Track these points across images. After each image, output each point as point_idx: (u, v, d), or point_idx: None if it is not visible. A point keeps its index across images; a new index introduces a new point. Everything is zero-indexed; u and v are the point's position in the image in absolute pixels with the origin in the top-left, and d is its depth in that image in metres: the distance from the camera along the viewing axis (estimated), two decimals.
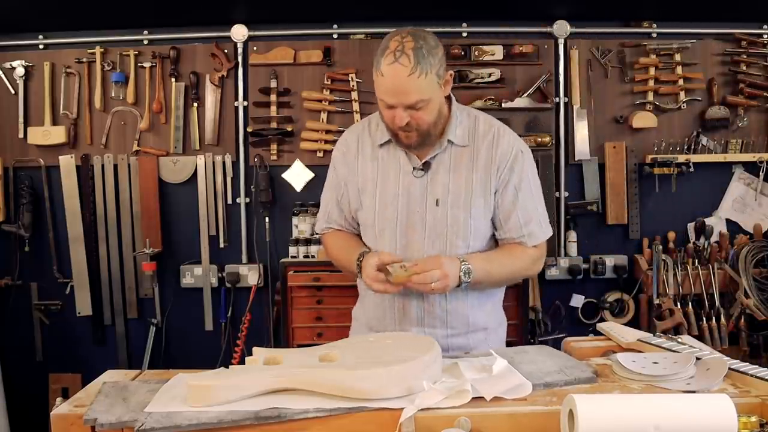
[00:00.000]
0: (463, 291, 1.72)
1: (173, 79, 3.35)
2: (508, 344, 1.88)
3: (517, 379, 1.27)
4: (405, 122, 1.61)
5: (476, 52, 3.33)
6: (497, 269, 1.71)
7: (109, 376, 1.46)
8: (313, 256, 3.15)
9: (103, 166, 3.35)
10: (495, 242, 1.81)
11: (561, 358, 1.48)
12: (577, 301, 3.37)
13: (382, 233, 1.75)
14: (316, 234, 2.00)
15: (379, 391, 1.20)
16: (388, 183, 1.75)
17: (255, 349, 1.39)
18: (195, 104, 3.36)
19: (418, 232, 1.72)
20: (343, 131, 2.04)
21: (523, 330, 3.06)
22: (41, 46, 3.37)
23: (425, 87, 1.57)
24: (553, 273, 3.36)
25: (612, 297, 3.39)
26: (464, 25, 3.36)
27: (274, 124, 3.34)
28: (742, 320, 3.16)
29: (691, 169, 3.29)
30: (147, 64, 3.34)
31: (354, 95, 3.32)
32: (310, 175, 3.33)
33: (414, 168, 1.73)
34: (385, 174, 1.76)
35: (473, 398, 1.21)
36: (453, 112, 1.73)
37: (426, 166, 1.73)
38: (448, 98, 1.75)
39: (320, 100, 3.33)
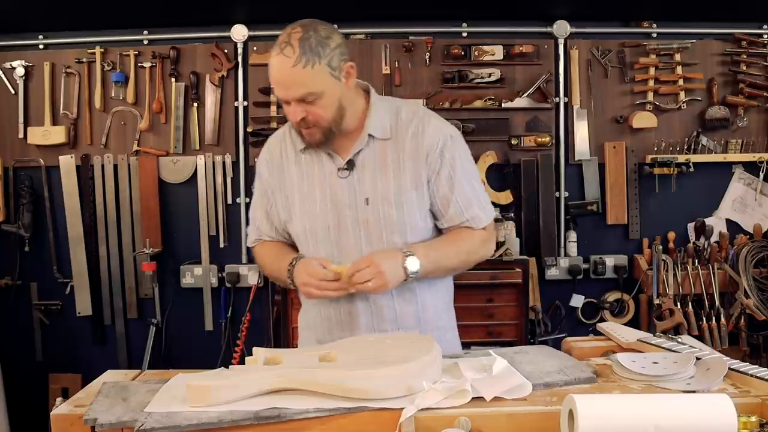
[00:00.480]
0: (410, 290, 1.66)
1: (173, 79, 3.35)
2: (508, 344, 1.88)
3: (517, 379, 1.26)
4: (300, 117, 1.53)
5: (476, 52, 3.34)
6: (445, 254, 1.65)
7: (109, 376, 1.46)
8: None
9: (103, 166, 3.35)
10: (438, 233, 1.73)
11: (561, 358, 1.47)
12: (577, 301, 3.37)
13: (315, 242, 1.67)
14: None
15: (380, 391, 1.20)
16: (313, 188, 1.66)
17: (255, 350, 1.38)
18: (195, 104, 3.36)
19: (353, 235, 1.65)
20: None
21: (523, 330, 3.06)
22: (41, 46, 3.37)
23: (313, 79, 1.49)
24: (553, 273, 3.36)
25: (612, 297, 3.39)
26: (464, 25, 3.36)
27: (274, 124, 3.34)
28: (742, 320, 3.16)
29: (691, 169, 3.29)
30: (147, 64, 3.34)
31: None
32: None
33: (339, 168, 1.64)
34: (309, 179, 1.67)
35: (473, 398, 1.21)
36: (372, 104, 1.65)
37: (351, 165, 1.64)
38: (367, 92, 1.68)
39: None
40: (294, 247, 1.77)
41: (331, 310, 1.70)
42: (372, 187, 1.63)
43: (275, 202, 1.74)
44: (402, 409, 1.16)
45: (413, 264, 1.56)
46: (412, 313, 1.69)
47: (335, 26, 1.65)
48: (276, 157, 1.73)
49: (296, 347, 3.02)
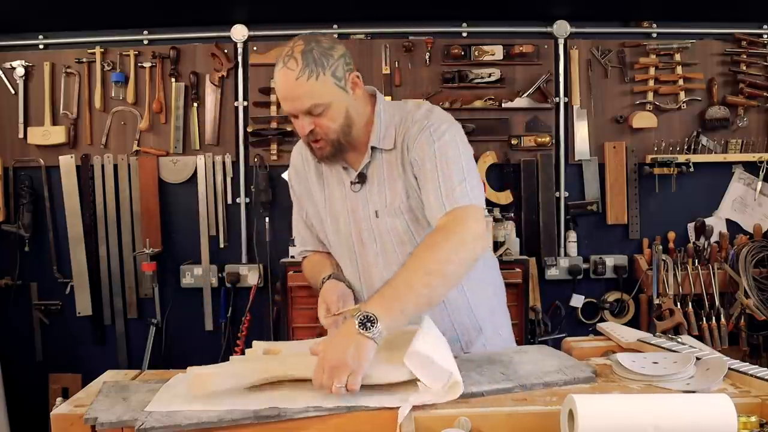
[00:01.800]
0: (459, 293, 1.62)
1: (173, 79, 3.35)
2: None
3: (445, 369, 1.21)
4: (308, 131, 1.50)
5: (476, 52, 3.34)
6: (409, 288, 1.35)
7: (109, 376, 1.46)
8: None
9: (103, 166, 3.35)
10: None
11: (561, 357, 1.48)
12: (577, 301, 3.37)
13: (341, 254, 1.69)
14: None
15: (382, 376, 1.22)
16: (335, 201, 1.66)
17: (255, 343, 1.38)
18: (195, 104, 3.36)
19: (370, 249, 1.63)
20: None
21: (524, 330, 3.06)
22: (41, 46, 3.37)
23: (318, 90, 1.46)
24: (553, 273, 3.36)
25: (612, 297, 3.39)
26: (464, 25, 3.36)
27: (274, 124, 3.34)
28: (742, 320, 3.16)
29: (691, 169, 3.29)
30: (147, 64, 3.34)
31: None
32: None
33: (352, 182, 1.63)
34: (331, 192, 1.67)
35: (473, 398, 1.21)
36: (376, 114, 1.60)
37: (362, 178, 1.61)
38: (373, 95, 1.63)
39: None
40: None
41: None
42: (380, 199, 1.60)
43: (308, 211, 1.76)
44: (399, 408, 1.16)
45: (371, 322, 1.25)
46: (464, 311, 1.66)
47: (336, 36, 1.61)
48: (300, 169, 1.75)
49: None
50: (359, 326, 1.24)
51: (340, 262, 1.71)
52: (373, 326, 1.25)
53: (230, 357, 1.35)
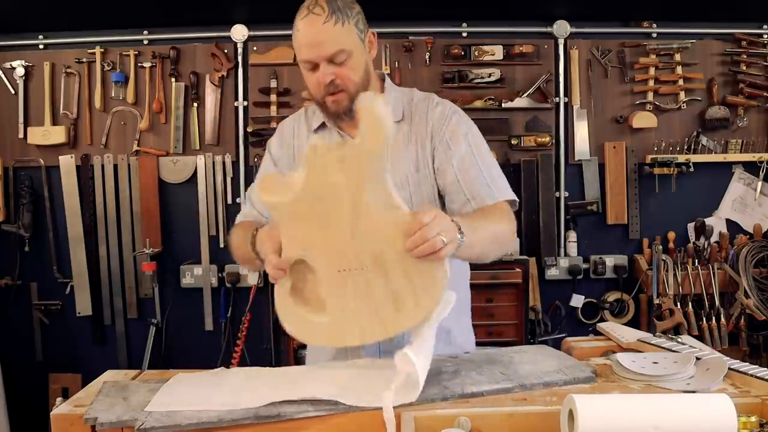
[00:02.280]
0: None
1: (173, 79, 3.35)
2: (508, 344, 1.86)
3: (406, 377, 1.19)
4: (329, 80, 1.47)
5: (476, 52, 3.34)
6: (480, 226, 1.40)
7: (109, 376, 1.46)
8: None
9: (103, 166, 3.35)
10: None
11: (560, 357, 1.47)
12: (577, 301, 3.37)
13: None
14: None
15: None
16: None
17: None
18: (195, 104, 3.36)
19: None
20: None
21: (523, 330, 3.06)
22: (41, 46, 3.37)
23: (344, 36, 1.46)
24: (553, 273, 3.36)
25: (612, 297, 3.39)
26: (464, 25, 3.36)
27: (274, 124, 3.34)
28: (742, 320, 3.16)
29: (691, 169, 3.29)
30: (147, 64, 3.34)
31: None
32: None
33: None
34: None
35: (472, 398, 1.21)
36: (386, 88, 1.63)
37: None
38: (382, 80, 1.65)
39: None
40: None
41: None
42: None
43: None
44: (400, 406, 1.16)
45: (460, 230, 1.28)
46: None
47: None
48: (287, 137, 1.70)
49: (296, 347, 3.04)
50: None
51: None
52: (461, 233, 1.27)
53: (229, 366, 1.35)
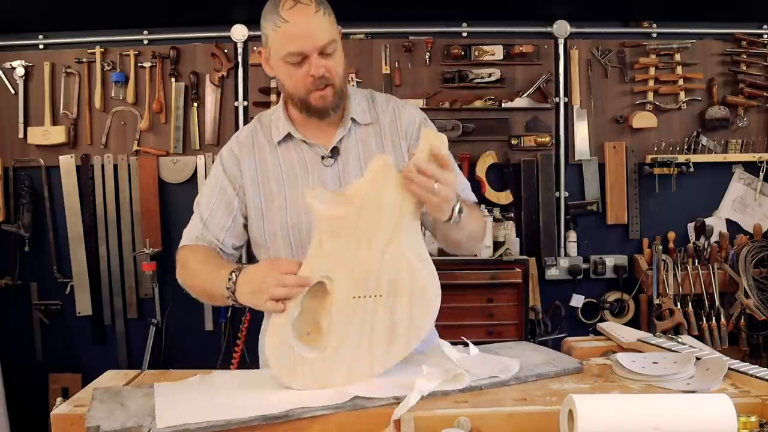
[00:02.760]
0: None
1: (173, 79, 3.35)
2: None
3: (504, 360, 1.34)
4: (321, 72, 1.42)
5: (476, 52, 3.34)
6: (472, 216, 1.47)
7: (110, 376, 1.46)
8: None
9: (103, 166, 3.35)
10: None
11: (545, 351, 1.51)
12: (577, 301, 3.37)
13: (297, 238, 1.52)
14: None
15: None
16: (295, 180, 1.53)
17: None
18: (195, 104, 3.36)
19: None
20: None
21: (524, 330, 3.06)
22: (41, 46, 3.37)
23: (332, 27, 1.44)
24: (553, 273, 3.36)
25: (612, 297, 3.39)
26: (464, 25, 3.36)
27: None
28: (742, 320, 3.16)
29: (691, 169, 3.29)
30: (147, 64, 3.34)
31: None
32: None
33: (322, 157, 1.53)
34: (291, 171, 1.53)
35: (473, 397, 1.21)
36: (348, 90, 1.57)
37: (335, 152, 1.54)
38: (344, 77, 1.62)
39: None
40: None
41: None
42: (358, 174, 1.51)
43: (242, 198, 1.56)
44: (399, 403, 1.16)
45: (460, 209, 1.36)
46: None
47: None
48: (247, 150, 1.58)
49: None
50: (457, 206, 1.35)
51: (286, 249, 1.54)
52: (461, 210, 1.35)
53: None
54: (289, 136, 1.56)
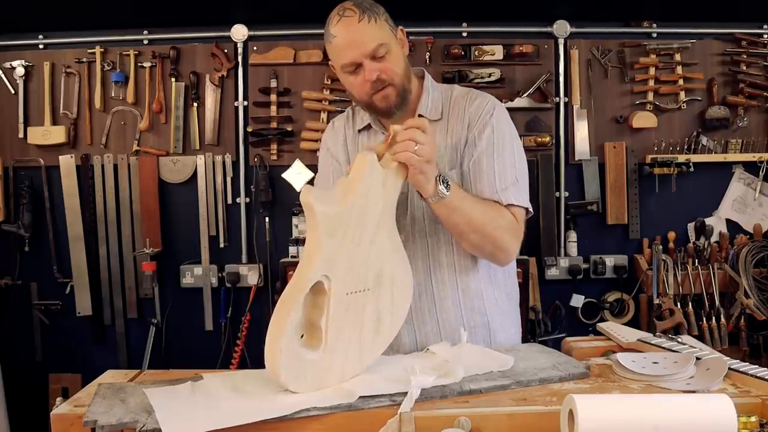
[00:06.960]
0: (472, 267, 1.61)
1: (173, 79, 3.35)
2: None
3: (495, 354, 1.36)
4: (375, 76, 1.50)
5: (476, 52, 3.34)
6: (471, 203, 1.50)
7: (110, 376, 1.46)
8: None
9: (103, 166, 3.35)
10: None
11: (552, 354, 1.49)
12: (577, 301, 3.37)
13: None
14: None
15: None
16: None
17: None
18: (195, 104, 3.36)
19: (409, 218, 1.60)
20: None
21: (524, 330, 3.05)
22: (41, 46, 3.37)
23: (379, 31, 1.52)
24: (553, 273, 3.36)
25: (612, 297, 3.39)
26: (464, 25, 3.36)
27: (274, 124, 3.34)
28: (742, 320, 3.16)
29: (691, 169, 3.29)
30: (147, 64, 3.34)
31: None
32: (310, 174, 3.33)
33: None
34: None
35: (473, 398, 1.21)
36: (425, 87, 1.66)
37: None
38: (422, 77, 1.68)
39: (320, 100, 3.33)
40: None
41: None
42: None
43: (340, 171, 1.70)
44: (400, 404, 1.16)
45: (445, 182, 1.43)
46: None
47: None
48: (340, 134, 1.73)
49: None
50: (440, 178, 1.42)
51: None
52: (447, 185, 1.43)
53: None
54: (368, 126, 1.68)
